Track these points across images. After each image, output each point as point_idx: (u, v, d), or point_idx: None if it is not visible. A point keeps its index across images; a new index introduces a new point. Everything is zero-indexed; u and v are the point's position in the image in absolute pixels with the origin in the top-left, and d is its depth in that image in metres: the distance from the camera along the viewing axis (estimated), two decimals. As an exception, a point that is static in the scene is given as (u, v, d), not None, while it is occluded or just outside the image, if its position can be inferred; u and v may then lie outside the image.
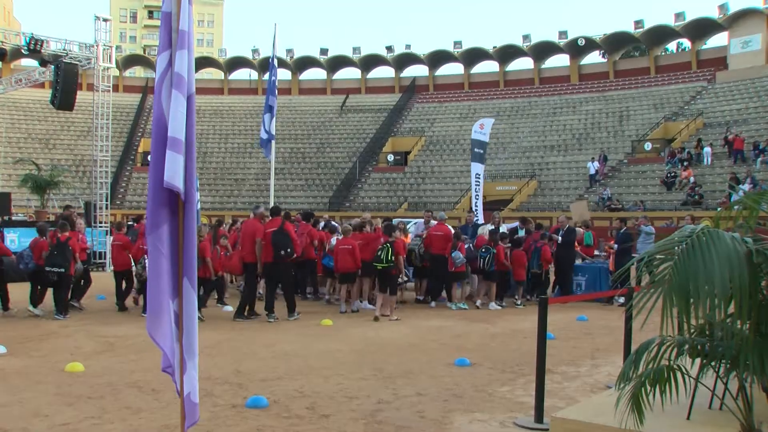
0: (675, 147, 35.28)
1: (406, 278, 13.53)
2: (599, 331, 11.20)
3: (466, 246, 13.72)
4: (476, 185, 19.43)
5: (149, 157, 4.33)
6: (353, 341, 9.97)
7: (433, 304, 13.98)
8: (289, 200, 41.63)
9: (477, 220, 16.74)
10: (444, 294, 14.11)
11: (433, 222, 14.75)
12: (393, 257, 12.26)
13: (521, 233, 15.22)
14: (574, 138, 41.74)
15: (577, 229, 15.92)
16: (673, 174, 32.76)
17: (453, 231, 14.02)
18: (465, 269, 13.69)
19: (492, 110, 48.35)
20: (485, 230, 14.56)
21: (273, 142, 17.97)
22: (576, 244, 15.58)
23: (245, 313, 12.04)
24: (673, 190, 32.07)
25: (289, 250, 11.75)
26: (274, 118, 17.73)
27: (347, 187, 43.47)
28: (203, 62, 56.13)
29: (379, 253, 12.39)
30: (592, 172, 35.41)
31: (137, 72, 63.64)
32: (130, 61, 56.91)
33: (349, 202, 42.25)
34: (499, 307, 13.78)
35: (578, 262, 15.42)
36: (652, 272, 3.75)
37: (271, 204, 19.01)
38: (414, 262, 14.17)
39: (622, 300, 14.36)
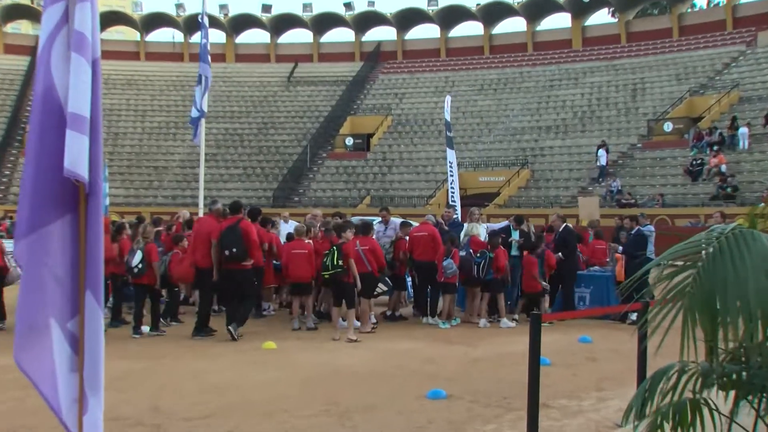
0: (702, 128, 35.69)
1: (384, 288, 13.65)
2: (606, 355, 11.33)
3: (463, 252, 14.07)
4: (450, 175, 19.55)
5: (28, 139, 4.13)
6: (302, 368, 9.94)
7: (429, 320, 14.26)
8: (224, 193, 41.26)
9: (456, 217, 16.82)
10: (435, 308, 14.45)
11: (395, 223, 15.03)
12: (340, 261, 12.35)
13: (515, 235, 15.36)
14: (576, 117, 42.32)
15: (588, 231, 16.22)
16: (699, 161, 33.09)
17: (445, 233, 14.49)
18: (456, 280, 14.03)
19: (475, 83, 48.75)
20: (477, 230, 14.68)
21: (203, 121, 17.82)
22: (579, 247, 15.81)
23: (203, 330, 12.39)
24: (700, 180, 32.53)
25: (235, 250, 11.95)
26: (207, 92, 17.64)
27: (295, 177, 43.51)
28: (112, 18, 55.01)
29: (326, 258, 12.50)
30: (603, 162, 35.49)
31: (24, 27, 62.16)
32: (13, 12, 53.90)
33: (297, 196, 42.24)
34: (513, 324, 14.09)
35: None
36: (669, 282, 3.76)
37: (200, 199, 18.92)
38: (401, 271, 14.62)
39: (635, 317, 14.61)
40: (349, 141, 45.61)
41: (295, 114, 49.10)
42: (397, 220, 15.98)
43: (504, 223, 17.51)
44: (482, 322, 13.97)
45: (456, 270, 13.83)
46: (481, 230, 14.81)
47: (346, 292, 12.65)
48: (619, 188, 33.63)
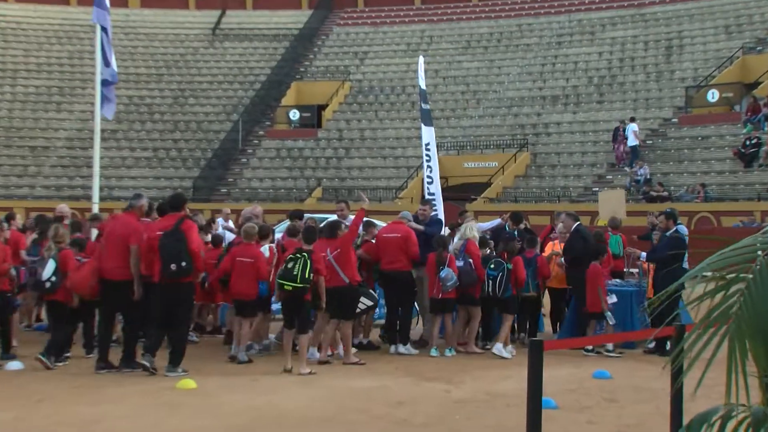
0: (759, 96, 36.00)
1: (368, 303, 13.77)
2: (630, 395, 11.43)
3: (461, 261, 14.35)
4: (427, 161, 19.57)
5: None
6: (230, 413, 9.92)
7: (401, 349, 14.43)
8: (126, 183, 41.03)
9: (435, 214, 16.86)
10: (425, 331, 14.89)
11: (352, 219, 15.08)
12: (309, 275, 12.39)
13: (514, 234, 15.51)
14: (592, 84, 42.75)
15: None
16: (755, 141, 33.41)
17: (433, 234, 14.83)
18: (455, 296, 14.39)
19: (459, 38, 48.99)
20: (473, 232, 14.80)
21: (113, 89, 17.90)
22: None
23: (131, 361, 12.49)
24: (755, 166, 32.93)
25: (184, 264, 12.00)
26: (112, 50, 17.64)
27: (223, 162, 43.51)
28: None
29: (289, 264, 12.52)
30: (633, 141, 35.65)
31: None
32: None
33: (226, 186, 42.22)
34: (509, 355, 14.35)
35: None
36: (711, 300, 3.78)
37: (95, 191, 18.75)
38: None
39: (652, 345, 14.79)
40: (295, 115, 45.57)
41: (223, 79, 48.98)
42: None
43: (495, 221, 17.55)
44: (497, 347, 14.35)
45: (457, 281, 14.15)
46: (472, 232, 14.93)
47: (302, 311, 12.72)
48: (648, 177, 33.97)
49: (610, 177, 35.71)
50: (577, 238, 15.34)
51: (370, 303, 13.91)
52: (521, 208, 32.39)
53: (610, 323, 14.60)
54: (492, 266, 14.36)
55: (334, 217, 15.94)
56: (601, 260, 15.16)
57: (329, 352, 13.67)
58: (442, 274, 14.10)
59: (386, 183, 39.71)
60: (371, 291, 13.92)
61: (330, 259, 13.18)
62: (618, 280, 16.22)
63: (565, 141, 39.42)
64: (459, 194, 36.30)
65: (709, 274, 3.89)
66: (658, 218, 16.21)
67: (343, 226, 13.92)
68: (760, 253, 3.68)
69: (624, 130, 35.94)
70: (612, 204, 21.87)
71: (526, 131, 40.41)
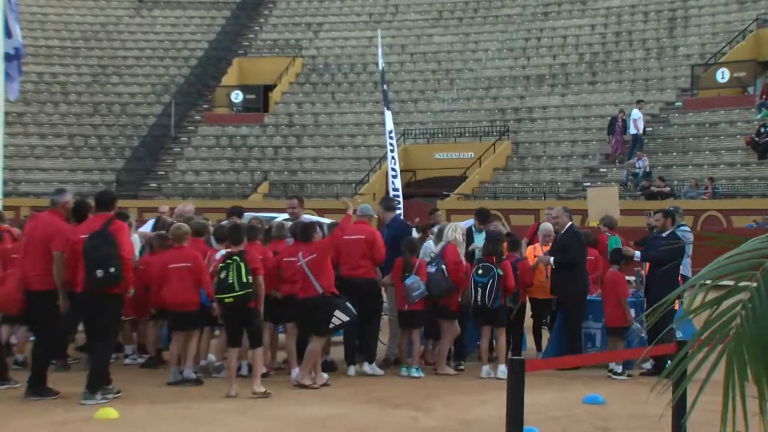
0: (777, 76, 36.65)
1: (345, 318, 13.64)
2: (626, 423, 11.51)
3: (433, 267, 14.40)
4: (391, 150, 19.60)
5: None
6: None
7: (366, 368, 14.48)
8: (35, 176, 40.73)
9: (398, 215, 16.94)
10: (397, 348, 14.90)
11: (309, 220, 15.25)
12: (248, 279, 12.40)
13: (478, 240, 15.63)
14: (583, 62, 43.13)
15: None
16: (771, 128, 33.73)
17: (401, 235, 14.90)
18: (423, 307, 14.38)
19: (429, 8, 48.97)
20: (456, 234, 14.81)
21: (17, 65, 17.78)
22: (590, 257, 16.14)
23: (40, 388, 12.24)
24: (771, 157, 33.35)
25: (112, 270, 11.86)
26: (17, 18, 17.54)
27: (153, 152, 43.48)
28: None
29: (221, 274, 12.50)
30: (635, 130, 35.83)
31: None
32: None
33: (156, 180, 42.19)
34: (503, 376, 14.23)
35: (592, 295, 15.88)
36: (711, 311, 3.81)
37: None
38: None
39: (648, 366, 14.92)
40: (237, 96, 45.49)
41: (152, 54, 48.82)
42: (315, 219, 15.98)
43: (470, 221, 17.64)
44: (502, 370, 14.14)
45: (425, 291, 14.16)
46: (455, 235, 14.96)
47: (251, 322, 12.70)
48: (647, 170, 34.28)
49: (604, 170, 36.00)
50: (573, 237, 15.44)
51: (346, 318, 13.58)
52: (501, 205, 32.70)
53: (641, 335, 14.70)
54: (480, 272, 14.32)
55: (283, 216, 15.88)
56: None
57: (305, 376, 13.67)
58: (408, 282, 14.12)
59: (344, 177, 39.78)
60: (348, 304, 13.77)
61: (302, 266, 13.14)
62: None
63: (552, 128, 39.75)
64: (428, 190, 36.47)
65: (708, 282, 3.92)
66: (655, 218, 16.28)
67: (318, 228, 13.97)
68: (756, 252, 3.70)
69: (623, 120, 36.01)
70: (603, 202, 22.00)
71: (506, 117, 40.67)
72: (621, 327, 14.83)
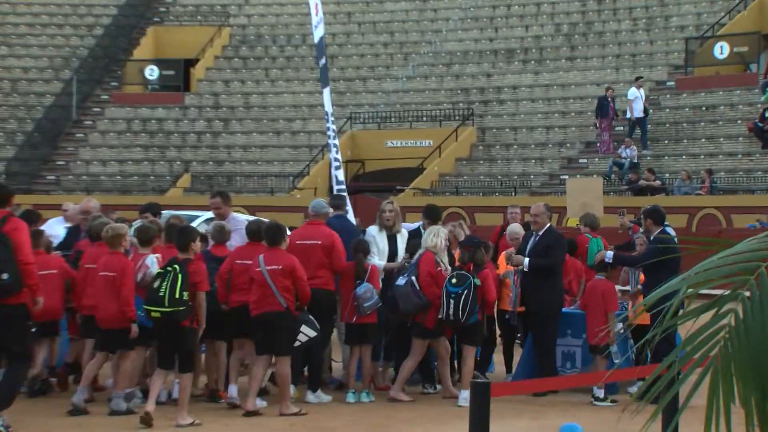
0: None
1: (311, 334, 13.63)
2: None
3: (404, 279, 14.37)
4: (333, 138, 19.67)
5: None
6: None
7: (309, 397, 14.44)
8: None
9: (344, 213, 17.00)
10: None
11: (240, 221, 15.11)
12: (182, 295, 12.44)
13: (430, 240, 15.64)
14: (560, 35, 43.32)
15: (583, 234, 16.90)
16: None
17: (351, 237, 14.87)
18: (377, 319, 14.43)
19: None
20: (437, 239, 14.80)
21: None
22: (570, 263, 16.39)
23: None
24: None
25: (5, 277, 11.78)
26: None
27: (51, 138, 43.29)
28: None
29: (155, 282, 12.54)
30: (637, 112, 35.61)
31: None
32: None
33: (54, 172, 42.00)
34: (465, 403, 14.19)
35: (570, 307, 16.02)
36: (694, 322, 3.89)
37: None
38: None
39: (634, 388, 15.08)
40: (152, 72, 45.27)
41: (49, 20, 48.51)
42: (242, 218, 16.00)
43: (414, 224, 17.70)
44: (464, 397, 13.88)
45: (378, 301, 14.19)
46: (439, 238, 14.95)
47: (181, 343, 12.70)
48: (634, 160, 34.60)
49: (584, 161, 36.25)
50: (556, 240, 15.60)
51: (313, 333, 13.62)
52: (465, 202, 32.93)
53: (615, 361, 14.66)
54: (453, 281, 14.17)
55: (207, 214, 15.80)
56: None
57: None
58: (359, 290, 14.15)
59: (280, 168, 39.81)
60: (313, 319, 13.72)
61: (264, 274, 13.14)
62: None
63: (524, 111, 40.00)
64: (379, 184, 36.51)
65: (690, 290, 4.01)
66: (623, 219, 16.44)
67: (287, 231, 13.88)
68: (748, 257, 3.78)
69: (612, 100, 36.05)
70: (584, 197, 22.15)
71: (470, 98, 40.87)
72: (604, 345, 14.88)
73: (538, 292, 15.31)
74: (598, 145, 36.64)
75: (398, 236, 15.46)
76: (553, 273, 15.49)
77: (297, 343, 13.51)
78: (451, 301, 14.10)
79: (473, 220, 31.23)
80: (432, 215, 16.18)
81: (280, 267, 13.24)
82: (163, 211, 16.76)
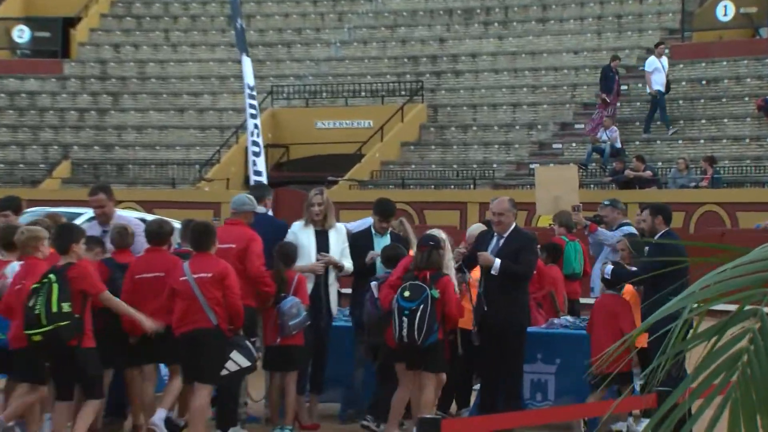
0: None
1: (245, 363, 13.58)
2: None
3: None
4: (252, 116, 19.65)
5: None
6: None
7: None
8: None
9: (266, 212, 17.04)
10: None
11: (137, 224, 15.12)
12: (60, 307, 12.37)
13: (379, 246, 15.71)
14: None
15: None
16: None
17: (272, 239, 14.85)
18: (302, 341, 14.47)
19: None
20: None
21: None
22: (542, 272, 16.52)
23: None
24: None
25: None
26: None
27: None
28: None
29: (30, 299, 12.47)
30: (660, 85, 35.68)
31: None
32: None
33: None
34: None
35: (540, 326, 16.10)
36: (707, 345, 3.92)
37: None
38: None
39: (622, 425, 15.18)
40: (22, 34, 45.00)
41: None
42: (132, 217, 15.91)
43: (367, 221, 17.76)
44: None
45: (306, 319, 14.21)
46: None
47: (78, 365, 12.66)
48: (617, 145, 34.85)
49: (559, 146, 36.46)
50: (528, 242, 15.64)
51: (246, 363, 13.71)
52: (413, 196, 32.92)
53: (638, 384, 14.58)
54: (406, 294, 14.07)
55: (88, 212, 15.69)
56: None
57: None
58: (285, 305, 14.17)
59: (185, 155, 39.84)
60: (249, 343, 13.66)
61: (191, 284, 13.13)
62: (569, 318, 16.55)
63: (486, 85, 40.22)
64: (307, 174, 36.47)
65: (696, 305, 4.03)
66: (642, 216, 16.42)
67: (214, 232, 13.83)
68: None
69: (616, 72, 36.22)
70: (558, 189, 22.19)
71: (420, 68, 41.03)
72: (624, 373, 14.81)
73: (504, 304, 15.17)
74: (590, 124, 36.56)
75: (331, 233, 15.50)
76: (522, 283, 15.56)
77: (225, 372, 13.48)
78: (405, 318, 13.98)
79: (423, 219, 31.23)
80: (384, 211, 16.23)
81: (210, 275, 13.23)
82: (36, 209, 16.68)
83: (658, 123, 36.19)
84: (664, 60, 35.70)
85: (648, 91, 36.12)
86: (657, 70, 35.49)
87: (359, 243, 15.82)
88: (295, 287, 14.34)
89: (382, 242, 15.82)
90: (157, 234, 13.94)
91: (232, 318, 13.39)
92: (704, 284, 3.97)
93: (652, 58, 35.73)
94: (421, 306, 13.98)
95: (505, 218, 15.47)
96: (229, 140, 38.67)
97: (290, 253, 14.74)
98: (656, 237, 15.19)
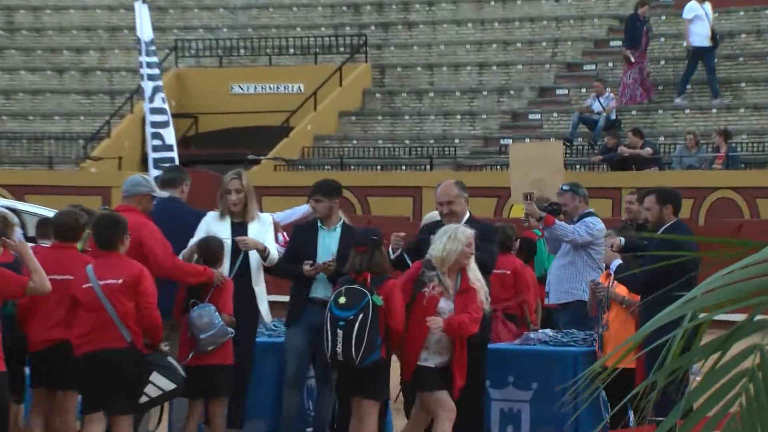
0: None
1: (169, 386, 13.64)
2: None
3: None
4: (152, 77, 19.86)
5: None
6: None
7: None
8: None
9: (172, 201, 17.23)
10: None
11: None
12: None
13: (326, 244, 15.76)
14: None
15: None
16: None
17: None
18: (230, 360, 14.55)
19: None
20: (453, 243, 14.98)
21: None
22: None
23: None
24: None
25: None
26: None
27: None
28: None
29: None
30: (704, 40, 35.76)
31: None
32: None
33: None
34: None
35: (513, 342, 16.32)
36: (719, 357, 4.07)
37: None
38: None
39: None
40: None
41: None
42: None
43: (301, 209, 17.93)
44: None
45: (225, 331, 14.29)
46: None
47: None
48: (611, 116, 35.09)
49: (537, 116, 36.73)
50: (487, 231, 15.83)
51: (170, 386, 13.73)
52: (354, 179, 33.07)
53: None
54: (341, 300, 14.16)
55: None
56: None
57: None
58: (193, 314, 14.27)
59: (65, 126, 39.87)
60: (174, 362, 13.67)
61: (97, 293, 13.16)
62: (548, 332, 16.75)
63: (445, 41, 40.38)
64: (220, 151, 36.53)
65: (702, 314, 4.19)
66: (646, 204, 16.59)
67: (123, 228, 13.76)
68: None
69: (644, 20, 36.38)
70: (537, 170, 22.31)
71: (363, 19, 41.27)
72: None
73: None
74: (620, 90, 36.57)
75: (252, 225, 15.51)
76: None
77: (145, 399, 13.50)
78: (339, 331, 14.03)
79: (367, 208, 31.33)
80: (328, 191, 16.16)
81: (120, 281, 13.19)
82: None
83: (661, 88, 36.43)
84: (707, 6, 35.63)
85: (685, 45, 36.26)
86: (698, 18, 35.53)
87: (297, 240, 15.94)
88: (213, 292, 14.37)
89: (329, 239, 15.78)
90: (72, 228, 13.88)
91: (149, 332, 13.32)
92: (708, 287, 4.09)
93: (692, 3, 35.68)
94: (361, 315, 14.04)
95: (455, 206, 15.54)
96: (121, 109, 38.66)
97: (214, 248, 14.73)
98: (662, 230, 15.42)
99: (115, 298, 13.04)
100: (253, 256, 15.32)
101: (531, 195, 19.05)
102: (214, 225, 15.35)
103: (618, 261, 15.28)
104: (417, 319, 14.11)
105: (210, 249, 14.71)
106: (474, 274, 14.31)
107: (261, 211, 17.09)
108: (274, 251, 15.51)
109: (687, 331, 4.06)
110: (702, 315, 4.16)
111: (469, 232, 14.51)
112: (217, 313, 14.25)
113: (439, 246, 14.18)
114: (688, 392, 3.99)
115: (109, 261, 13.16)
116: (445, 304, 14.06)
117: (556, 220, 17.97)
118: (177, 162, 18.87)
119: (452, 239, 14.22)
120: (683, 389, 4.61)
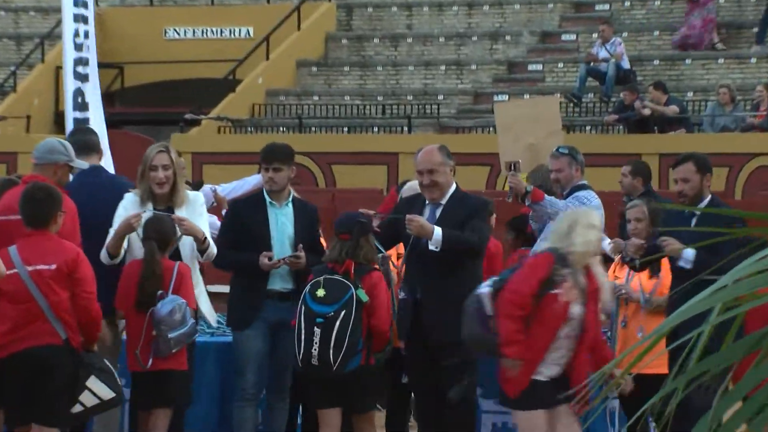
0: None
1: (110, 394, 13.73)
2: None
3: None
4: (78, 20, 20.03)
5: None
6: None
7: None
8: None
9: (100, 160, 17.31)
10: None
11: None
12: None
13: (279, 223, 15.90)
14: None
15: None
16: None
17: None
18: (185, 365, 14.65)
19: None
20: (589, 231, 15.05)
21: None
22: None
23: None
24: None
25: None
26: None
27: None
28: None
29: None
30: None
31: None
32: None
33: None
34: None
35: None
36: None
37: None
38: None
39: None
40: None
41: None
42: None
43: (251, 180, 18.04)
44: None
45: (194, 329, 14.49)
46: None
47: None
48: (623, 65, 35.31)
49: (538, 66, 36.80)
50: (477, 206, 15.87)
51: (109, 394, 13.75)
52: (317, 144, 33.19)
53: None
54: (319, 293, 14.29)
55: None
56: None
57: None
58: (162, 308, 14.20)
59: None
60: (111, 366, 13.67)
61: (25, 281, 13.19)
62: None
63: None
64: (151, 110, 36.63)
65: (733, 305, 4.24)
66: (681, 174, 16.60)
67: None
68: None
69: None
70: (532, 132, 22.32)
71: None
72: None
73: (449, 305, 15.17)
74: (681, 34, 36.97)
75: (181, 212, 15.24)
76: (474, 268, 15.73)
77: (79, 409, 13.55)
78: (316, 329, 14.13)
79: (331, 179, 31.37)
80: (286, 158, 16.19)
81: (53, 267, 13.19)
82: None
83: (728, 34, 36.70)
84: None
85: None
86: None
87: (242, 219, 15.96)
88: (176, 282, 14.35)
89: (282, 217, 15.83)
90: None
91: (86, 327, 13.31)
92: (737, 277, 4.11)
93: None
94: (343, 312, 14.13)
95: (438, 176, 15.63)
96: (29, 57, 38.71)
97: (165, 229, 14.71)
98: (704, 205, 15.44)
99: (47, 287, 12.97)
100: (187, 244, 15.12)
101: (516, 165, 18.93)
102: (130, 208, 15.07)
103: (691, 251, 14.80)
104: (543, 325, 13.71)
105: (160, 228, 14.61)
106: (598, 268, 14.07)
107: (201, 182, 17.12)
108: (213, 245, 15.27)
109: (711, 329, 4.07)
110: (729, 308, 4.17)
111: (600, 213, 14.91)
112: (188, 308, 14.31)
113: (577, 238, 13.76)
114: (716, 400, 4.01)
115: (39, 242, 13.05)
116: (577, 308, 13.77)
117: (546, 195, 17.35)
118: (104, 124, 18.81)
119: (587, 226, 13.94)
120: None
